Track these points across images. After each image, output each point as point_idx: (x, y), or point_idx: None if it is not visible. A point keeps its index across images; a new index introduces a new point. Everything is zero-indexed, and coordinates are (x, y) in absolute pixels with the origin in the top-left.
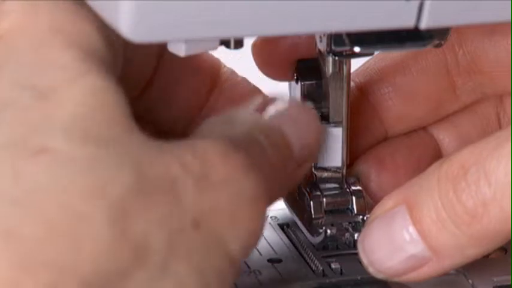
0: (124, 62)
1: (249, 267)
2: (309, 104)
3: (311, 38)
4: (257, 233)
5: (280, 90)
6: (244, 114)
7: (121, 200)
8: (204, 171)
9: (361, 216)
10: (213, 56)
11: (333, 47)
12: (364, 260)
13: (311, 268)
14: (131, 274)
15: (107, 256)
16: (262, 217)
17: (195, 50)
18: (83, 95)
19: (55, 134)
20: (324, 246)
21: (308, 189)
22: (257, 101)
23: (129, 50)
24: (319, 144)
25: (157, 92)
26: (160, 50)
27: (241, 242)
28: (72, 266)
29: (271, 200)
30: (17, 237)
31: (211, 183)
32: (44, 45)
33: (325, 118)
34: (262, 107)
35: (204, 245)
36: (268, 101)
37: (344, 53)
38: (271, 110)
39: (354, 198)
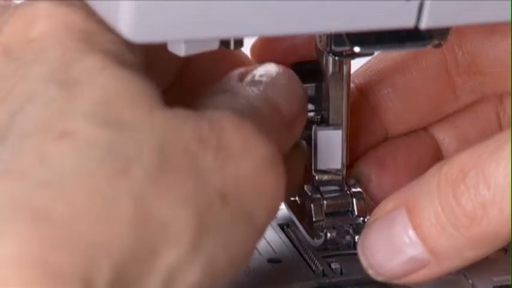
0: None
1: (249, 267)
2: (309, 107)
3: (311, 38)
4: (280, 197)
5: None
6: (237, 85)
7: (144, 180)
8: (221, 144)
9: (361, 218)
10: (244, 54)
11: (333, 47)
12: (364, 262)
13: (311, 268)
14: (162, 252)
15: (135, 236)
16: (282, 179)
17: (195, 50)
18: (104, 82)
19: (77, 118)
20: (324, 248)
21: (308, 192)
22: (237, 71)
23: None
24: (305, 104)
25: (188, 86)
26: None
27: (267, 209)
28: (102, 245)
29: None
30: (46, 218)
31: (230, 155)
32: (71, 48)
33: (324, 120)
34: (243, 75)
35: (233, 218)
36: (248, 68)
37: (344, 53)
38: (253, 76)
39: (354, 200)
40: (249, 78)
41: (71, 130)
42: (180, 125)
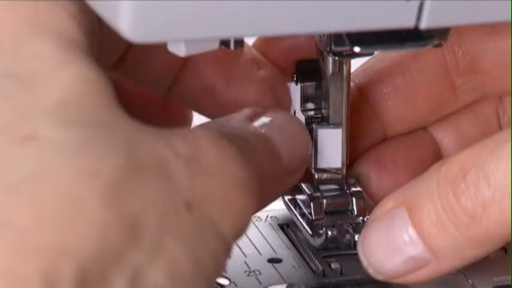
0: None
1: (249, 267)
2: (309, 105)
3: (311, 38)
4: (248, 218)
5: None
6: (236, 119)
7: (113, 180)
8: (194, 156)
9: (361, 218)
10: None
11: (333, 47)
12: (364, 262)
13: (311, 268)
14: (126, 254)
15: (102, 237)
16: (251, 203)
17: (195, 50)
18: (69, 81)
19: (42, 120)
20: (324, 247)
21: (308, 191)
22: (247, 110)
23: (103, 30)
24: (308, 155)
25: (132, 60)
26: None
27: (233, 225)
28: (67, 249)
29: (260, 204)
30: (8, 225)
31: (202, 168)
32: (23, 38)
33: (325, 119)
34: (252, 117)
35: (197, 226)
36: (258, 111)
37: (344, 53)
38: (261, 119)
39: (354, 199)
40: (257, 120)
41: (35, 133)
42: (149, 129)
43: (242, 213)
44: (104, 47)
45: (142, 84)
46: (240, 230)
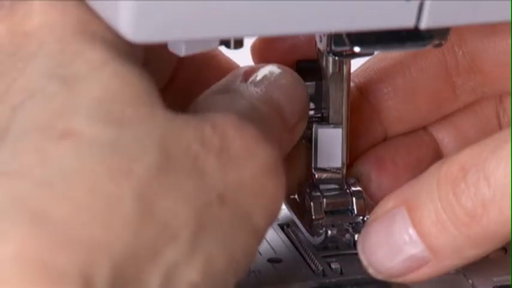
0: (144, 61)
1: (249, 267)
2: (309, 105)
3: (311, 38)
4: (280, 201)
5: None
6: (240, 86)
7: (147, 179)
8: (223, 146)
9: (361, 217)
10: (229, 58)
11: (333, 47)
12: (364, 261)
13: (311, 268)
14: (162, 251)
15: (136, 234)
16: (282, 184)
17: (195, 50)
18: (106, 79)
19: (79, 117)
20: (324, 246)
21: (308, 190)
22: (243, 70)
23: (147, 50)
24: (307, 105)
25: (178, 91)
26: None
27: (266, 212)
28: (102, 245)
29: None
30: (45, 218)
31: (231, 157)
32: (70, 40)
33: (325, 119)
34: (247, 76)
35: (231, 219)
36: (253, 69)
37: (344, 53)
38: (259, 78)
39: (354, 199)
40: (252, 78)
41: (72, 129)
42: (183, 125)
43: (273, 198)
44: (156, 66)
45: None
46: (273, 216)
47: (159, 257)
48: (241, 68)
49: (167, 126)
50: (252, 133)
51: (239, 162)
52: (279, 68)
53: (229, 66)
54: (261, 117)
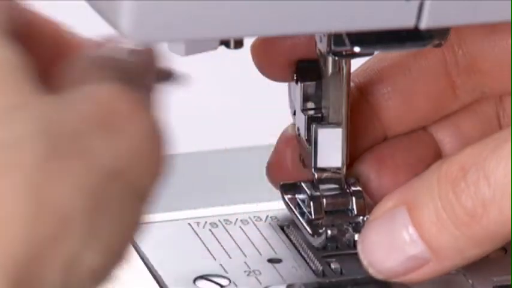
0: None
1: (249, 267)
2: (309, 105)
3: (311, 38)
4: (162, 161)
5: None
6: (105, 53)
7: (32, 170)
8: (108, 120)
9: (361, 217)
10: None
11: (333, 47)
12: (364, 261)
13: (311, 268)
14: (58, 242)
15: (32, 232)
16: (162, 144)
17: (195, 50)
18: None
19: None
20: (324, 246)
21: (308, 190)
22: (92, 41)
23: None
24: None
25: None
26: None
27: (152, 177)
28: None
29: None
30: None
31: (116, 130)
32: None
33: (325, 118)
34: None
35: (125, 194)
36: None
37: (344, 53)
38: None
39: (354, 198)
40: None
41: None
42: (65, 107)
43: (157, 162)
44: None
45: None
46: (158, 182)
47: (57, 249)
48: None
49: (49, 109)
50: (135, 101)
51: (124, 132)
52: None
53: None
54: (137, 82)
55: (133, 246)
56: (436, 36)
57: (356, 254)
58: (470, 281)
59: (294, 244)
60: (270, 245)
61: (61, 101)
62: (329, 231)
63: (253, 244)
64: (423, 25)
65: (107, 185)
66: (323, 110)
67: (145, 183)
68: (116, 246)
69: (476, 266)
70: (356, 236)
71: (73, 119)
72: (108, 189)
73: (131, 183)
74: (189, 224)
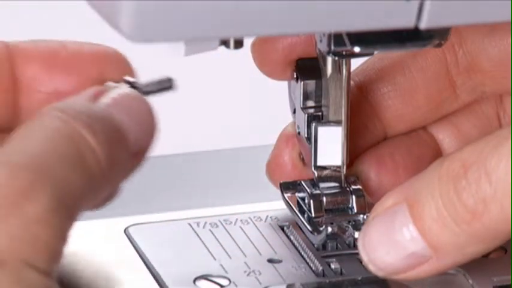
0: None
1: (249, 267)
2: (309, 103)
3: (311, 37)
4: (61, 244)
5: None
6: (80, 100)
7: None
8: None
9: (361, 215)
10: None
11: (333, 47)
12: (365, 258)
13: (311, 268)
14: None
15: None
16: (57, 233)
17: (195, 50)
18: None
19: None
20: (323, 246)
21: (308, 188)
22: (91, 90)
23: None
24: (154, 134)
25: None
26: None
27: (49, 258)
28: None
29: (109, 186)
30: None
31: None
32: None
33: (325, 117)
34: (97, 95)
35: (16, 277)
36: (102, 89)
37: (344, 53)
38: (106, 98)
39: (354, 197)
40: (104, 101)
41: None
42: None
43: (53, 244)
44: None
45: None
46: (57, 257)
47: None
48: (92, 88)
49: None
50: (23, 184)
51: (8, 216)
52: (130, 92)
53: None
54: (77, 146)
55: (134, 246)
56: (436, 36)
57: (356, 254)
58: (470, 281)
59: (294, 244)
60: (270, 245)
61: None
62: (329, 229)
63: (253, 244)
64: (423, 25)
65: None
66: (323, 109)
67: (42, 262)
68: None
69: (476, 266)
70: (356, 234)
71: None
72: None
73: (24, 265)
74: (189, 224)
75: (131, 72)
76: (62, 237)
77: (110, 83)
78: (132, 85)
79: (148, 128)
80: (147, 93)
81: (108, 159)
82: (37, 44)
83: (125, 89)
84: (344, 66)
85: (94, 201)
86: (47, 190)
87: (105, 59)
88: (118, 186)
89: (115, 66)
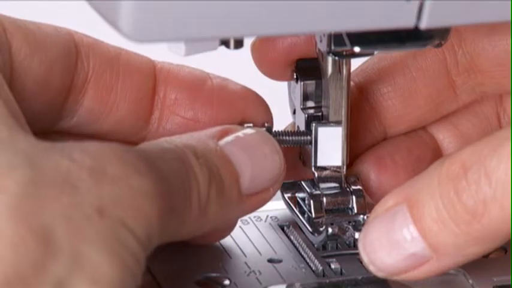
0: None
1: (249, 267)
2: (309, 104)
3: (310, 37)
4: (156, 226)
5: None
6: (200, 135)
7: (19, 195)
8: (98, 166)
9: (361, 216)
10: (143, 56)
11: (333, 47)
12: (365, 259)
13: (311, 268)
14: (46, 265)
15: (16, 251)
16: (158, 213)
17: (195, 50)
18: None
19: None
20: (323, 246)
21: (308, 189)
22: (218, 128)
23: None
24: (278, 178)
25: (90, 102)
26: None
27: (145, 229)
28: None
29: (213, 223)
30: None
31: (108, 177)
32: None
33: (325, 117)
34: (221, 134)
35: (112, 230)
36: (227, 129)
37: (344, 53)
38: (228, 137)
39: (354, 197)
40: (228, 138)
41: None
42: (48, 147)
43: (150, 220)
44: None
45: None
46: (150, 237)
47: (44, 272)
48: (220, 126)
49: (33, 146)
50: (133, 161)
51: (115, 181)
52: (259, 133)
53: (143, 62)
54: (180, 165)
55: None
56: (436, 36)
57: (356, 254)
58: (470, 281)
59: (294, 244)
60: (270, 245)
61: (47, 143)
62: (329, 229)
63: (253, 244)
64: (423, 25)
65: (93, 218)
66: (323, 109)
67: (138, 227)
68: (106, 275)
69: (476, 266)
70: (356, 235)
71: (59, 158)
72: (94, 223)
73: (122, 223)
74: None
75: (270, 118)
76: (161, 220)
77: (248, 125)
78: (269, 131)
79: (270, 172)
80: (283, 141)
81: (210, 191)
82: (182, 69)
83: (254, 130)
84: (344, 66)
85: (185, 229)
86: (153, 174)
87: (248, 100)
88: (229, 222)
89: (256, 109)
